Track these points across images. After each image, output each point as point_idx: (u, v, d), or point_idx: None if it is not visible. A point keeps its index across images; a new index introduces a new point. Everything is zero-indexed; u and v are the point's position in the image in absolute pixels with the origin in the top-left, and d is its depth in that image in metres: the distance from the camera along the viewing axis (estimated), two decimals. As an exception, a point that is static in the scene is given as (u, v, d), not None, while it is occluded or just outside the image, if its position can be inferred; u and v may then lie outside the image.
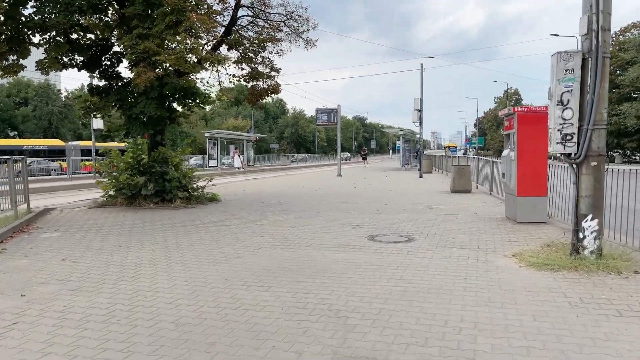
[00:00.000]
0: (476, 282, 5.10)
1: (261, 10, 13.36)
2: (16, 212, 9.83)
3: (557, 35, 46.38)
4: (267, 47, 13.07)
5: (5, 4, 9.32)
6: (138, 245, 7.39)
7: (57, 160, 36.10)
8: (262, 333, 3.79)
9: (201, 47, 11.08)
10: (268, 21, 13.28)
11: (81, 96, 11.52)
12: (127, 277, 5.55)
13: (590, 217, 5.78)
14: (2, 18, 9.70)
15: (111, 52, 11.80)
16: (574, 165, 5.93)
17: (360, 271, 5.64)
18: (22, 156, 11.34)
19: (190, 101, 12.20)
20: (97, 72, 11.77)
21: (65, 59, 11.12)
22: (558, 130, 5.87)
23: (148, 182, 12.04)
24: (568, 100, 5.82)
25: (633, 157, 51.62)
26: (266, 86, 13.39)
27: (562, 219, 8.81)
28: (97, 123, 24.83)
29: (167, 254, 6.74)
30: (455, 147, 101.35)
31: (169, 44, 10.23)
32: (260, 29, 12.96)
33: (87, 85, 11.70)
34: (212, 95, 13.46)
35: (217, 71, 13.55)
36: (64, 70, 11.36)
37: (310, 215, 10.48)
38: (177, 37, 9.40)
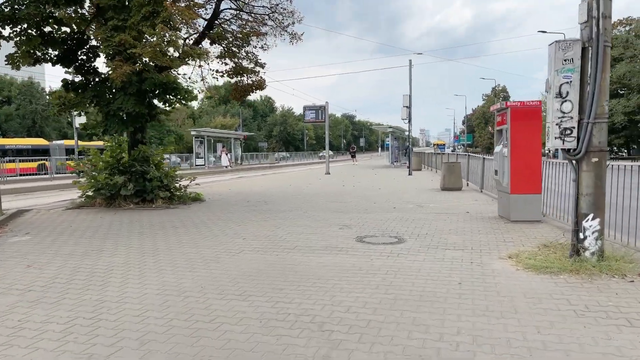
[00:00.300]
0: (472, 288, 4.73)
1: (245, 3, 12.90)
2: (-15, 214, 9.30)
3: (544, 32, 46.49)
4: (251, 42, 12.61)
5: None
6: (112, 250, 6.93)
7: (39, 160, 35.28)
8: (236, 351, 3.38)
9: (180, 40, 10.61)
10: (252, 14, 12.83)
11: (55, 92, 10.94)
12: (95, 285, 5.11)
13: (591, 216, 5.44)
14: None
15: (87, 46, 11.27)
16: (574, 162, 5.59)
17: (347, 277, 5.25)
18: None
19: (171, 97, 11.72)
20: (72, 67, 11.24)
21: (39, 53, 10.57)
22: (557, 124, 5.52)
23: (128, 181, 11.55)
24: (567, 93, 5.47)
25: (620, 153, 51.91)
26: (251, 82, 12.94)
27: (557, 217, 8.49)
28: (80, 121, 24.17)
29: (141, 259, 6.30)
30: (444, 145, 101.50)
31: (147, 37, 9.73)
32: (244, 23, 12.51)
33: (62, 81, 11.18)
34: (195, 91, 12.97)
35: (199, 66, 13.08)
36: (37, 65, 10.82)
37: (296, 215, 10.08)
38: (154, 29, 8.92)
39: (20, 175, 31.81)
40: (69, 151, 40.66)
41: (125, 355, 3.35)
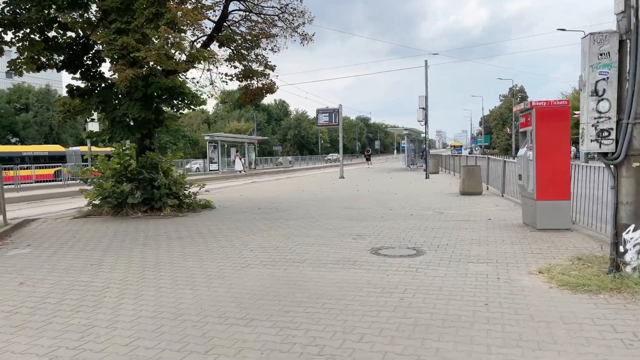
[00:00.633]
0: (501, 311, 4.21)
1: (254, 4, 12.53)
2: (-12, 225, 9.03)
3: (563, 29, 45.42)
4: (260, 44, 12.22)
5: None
6: (111, 264, 6.54)
7: (56, 166, 35.42)
8: (231, 393, 2.93)
9: (186, 42, 10.26)
10: (261, 15, 12.45)
11: (59, 99, 10.65)
12: (86, 306, 4.70)
13: (632, 227, 4.89)
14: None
15: (93, 51, 10.99)
16: (612, 167, 5.04)
17: (361, 296, 4.77)
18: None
19: (178, 102, 11.38)
20: (78, 72, 10.96)
21: (43, 59, 10.31)
22: (592, 125, 4.98)
23: (135, 189, 11.22)
24: (604, 90, 4.93)
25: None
26: (260, 85, 12.54)
27: (588, 225, 7.89)
28: (94, 127, 24.08)
29: (141, 275, 5.90)
30: (461, 146, 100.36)
31: (154, 40, 9.38)
32: (253, 24, 12.13)
33: (66, 87, 10.91)
34: (204, 95, 12.62)
35: (208, 70, 12.74)
36: (42, 71, 10.56)
37: (308, 223, 9.62)
38: (157, 31, 8.57)
39: (37, 182, 31.98)
40: (86, 158, 40.87)
41: (104, 398, 2.92)
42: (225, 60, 12.27)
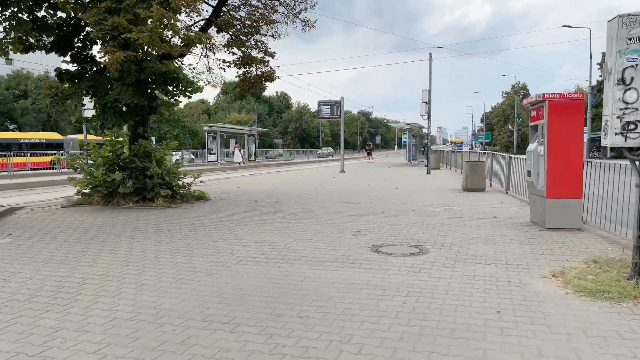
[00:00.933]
0: (515, 319, 3.80)
1: (255, -13, 12.02)
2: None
3: (569, 26, 44.72)
4: (260, 30, 11.73)
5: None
6: (93, 257, 6.12)
7: (53, 154, 34.94)
8: (207, 416, 2.51)
9: (180, 24, 9.77)
10: (262, 0, 11.95)
11: (46, 82, 10.15)
12: (58, 304, 4.29)
13: (658, 229, 4.46)
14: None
15: (84, 32, 10.50)
16: (638, 163, 4.61)
17: (360, 299, 4.35)
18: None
19: (173, 88, 10.91)
20: (68, 55, 10.49)
21: (32, 40, 9.84)
22: (618, 117, 4.54)
23: (127, 178, 10.78)
24: (632, 79, 4.48)
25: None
26: (260, 72, 12.07)
27: (599, 225, 7.46)
28: (90, 113, 23.61)
29: (123, 270, 5.48)
30: (462, 143, 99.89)
31: (147, 20, 8.88)
32: (253, 9, 11.64)
33: (55, 70, 10.44)
34: (201, 83, 12.15)
35: (205, 56, 12.25)
36: (30, 53, 10.09)
37: (306, 217, 9.20)
38: (150, 11, 8.09)
39: (32, 169, 31.53)
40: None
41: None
42: (224, 46, 11.78)
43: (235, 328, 3.68)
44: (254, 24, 11.48)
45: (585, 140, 7.81)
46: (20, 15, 9.26)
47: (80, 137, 46.26)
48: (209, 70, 12.56)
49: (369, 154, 49.06)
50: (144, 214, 9.85)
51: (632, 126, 4.50)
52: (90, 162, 11.05)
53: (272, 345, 3.35)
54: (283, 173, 27.51)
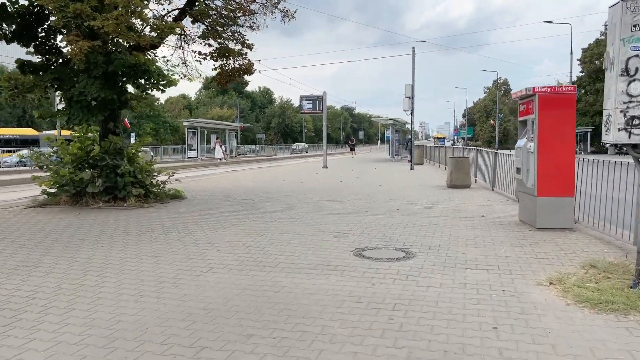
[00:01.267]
0: (514, 337, 3.39)
1: (232, -24, 11.45)
2: None
3: (550, 22, 44.93)
4: (238, 20, 11.18)
5: None
6: (50, 265, 5.58)
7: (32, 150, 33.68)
8: None
9: (148, 11, 9.20)
10: (239, -11, 11.39)
11: (4, 74, 9.45)
12: (-2, 325, 3.76)
13: (665, 233, 4.11)
14: None
15: (49, 22, 9.83)
16: (643, 161, 4.25)
17: (341, 313, 3.91)
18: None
19: (145, 82, 10.32)
20: (31, 46, 9.82)
21: (-10, 29, 9.16)
22: (621, 111, 4.16)
23: (96, 177, 10.18)
24: (637, 69, 4.11)
25: None
26: (237, 65, 11.53)
27: (591, 224, 7.14)
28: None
29: (80, 280, 4.95)
30: (444, 138, 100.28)
31: (112, 8, 8.25)
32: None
33: (16, 61, 9.76)
34: (176, 76, 11.56)
35: (179, 47, 11.66)
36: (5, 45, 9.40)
37: (285, 217, 8.73)
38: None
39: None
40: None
41: None
42: (199, 37, 11.21)
43: (199, 353, 3.21)
44: (231, 14, 10.93)
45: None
46: (-25, 1, 8.60)
47: (56, 133, 45.11)
48: (184, 63, 11.99)
49: (351, 149, 48.70)
50: (113, 214, 9.27)
51: (636, 121, 4.12)
52: (56, 159, 10.40)
53: (238, 376, 2.89)
54: (265, 169, 26.97)
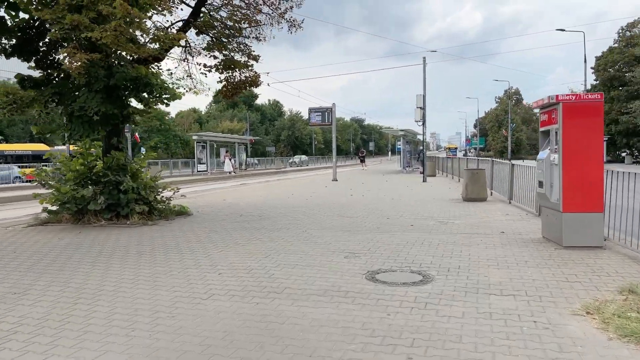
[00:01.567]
0: (555, 383, 2.92)
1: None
2: None
3: (563, 30, 44.37)
4: (243, 31, 10.88)
5: None
6: (41, 291, 5.20)
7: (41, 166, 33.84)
8: None
9: (149, 22, 8.93)
10: (245, 0, 11.10)
11: (2, 89, 9.18)
12: (-30, 366, 3.37)
13: None
14: None
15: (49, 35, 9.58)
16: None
17: (353, 350, 3.47)
18: None
19: (149, 96, 10.02)
20: (32, 60, 9.58)
21: (-10, 43, 8.93)
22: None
23: (98, 194, 9.85)
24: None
25: (644, 157, 49.37)
26: (243, 77, 11.21)
27: (623, 242, 6.62)
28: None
29: (70, 309, 4.56)
30: (456, 149, 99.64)
31: (111, 20, 7.95)
32: (235, 9, 10.79)
33: (16, 76, 9.52)
34: (181, 89, 11.26)
35: (183, 60, 11.38)
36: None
37: (293, 235, 8.31)
38: (112, 7, 7.22)
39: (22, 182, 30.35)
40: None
41: None
42: (204, 49, 10.93)
43: (189, 404, 2.78)
44: (236, 24, 10.63)
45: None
46: (-27, 15, 8.38)
47: (72, 147, 45.22)
48: (189, 76, 11.69)
49: (362, 161, 48.30)
50: (115, 233, 8.92)
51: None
52: (58, 175, 10.11)
53: None
54: (274, 183, 26.61)
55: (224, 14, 10.76)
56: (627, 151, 50.64)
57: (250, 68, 11.10)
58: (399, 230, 8.61)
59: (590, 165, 6.69)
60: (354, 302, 4.61)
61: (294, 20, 11.17)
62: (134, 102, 10.64)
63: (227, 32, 10.77)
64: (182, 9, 10.66)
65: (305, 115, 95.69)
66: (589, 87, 46.75)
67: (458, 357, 3.35)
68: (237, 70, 11.08)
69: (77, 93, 9.43)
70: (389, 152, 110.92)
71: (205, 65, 11.27)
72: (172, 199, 11.24)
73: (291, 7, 10.98)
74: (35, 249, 7.56)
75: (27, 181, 29.31)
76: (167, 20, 10.34)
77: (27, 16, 9.30)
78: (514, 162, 13.68)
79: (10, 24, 9.00)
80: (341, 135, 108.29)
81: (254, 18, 10.72)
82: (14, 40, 9.24)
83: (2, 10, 8.88)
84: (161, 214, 10.61)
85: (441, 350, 3.46)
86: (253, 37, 11.15)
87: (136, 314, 4.41)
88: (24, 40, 9.32)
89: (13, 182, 29.75)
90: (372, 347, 3.55)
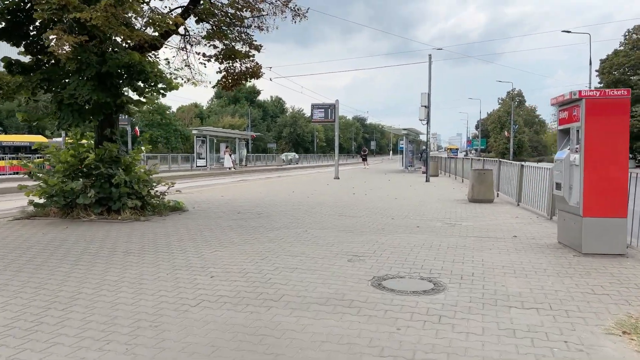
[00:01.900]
0: None
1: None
2: None
3: (569, 31, 43.79)
4: (245, 20, 10.38)
5: None
6: (12, 293, 4.71)
7: (38, 158, 33.36)
8: None
9: (144, 5, 8.40)
10: (247, -14, 10.60)
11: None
12: None
13: None
14: None
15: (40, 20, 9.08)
16: None
17: (360, 376, 2.98)
18: None
19: (144, 84, 9.52)
20: (22, 45, 9.08)
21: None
22: None
23: (89, 187, 9.37)
24: None
25: (645, 160, 48.81)
26: (244, 68, 10.71)
27: (648, 250, 6.15)
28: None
29: (41, 315, 4.08)
30: (457, 149, 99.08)
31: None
32: (236, -4, 10.29)
33: (3, 60, 9.01)
34: (179, 79, 10.75)
35: (181, 48, 10.87)
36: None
37: (293, 235, 7.82)
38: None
39: (14, 173, 29.88)
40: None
41: None
42: (203, 38, 10.43)
43: None
44: (238, 12, 10.12)
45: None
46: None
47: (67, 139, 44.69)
48: (188, 65, 11.17)
49: (364, 159, 47.79)
50: (104, 229, 8.43)
51: None
52: (47, 167, 9.63)
53: None
54: (274, 179, 26.12)
55: (225, 1, 10.25)
56: (631, 155, 50.13)
57: (251, 58, 10.59)
58: (405, 232, 8.13)
59: (614, 166, 6.20)
60: (359, 313, 4.12)
61: (298, 9, 10.65)
62: (131, 93, 10.15)
63: (228, 20, 10.26)
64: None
65: (307, 113, 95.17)
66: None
67: (482, 385, 2.87)
68: (237, 60, 10.57)
69: (67, 80, 8.94)
70: (391, 152, 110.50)
71: (204, 55, 10.76)
72: (166, 194, 10.75)
73: (296, -6, 10.45)
74: (16, 245, 7.08)
75: (14, 173, 28.90)
76: (165, 7, 9.85)
77: (16, -1, 8.79)
78: (524, 163, 13.18)
79: (-2, 7, 8.51)
80: (343, 134, 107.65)
81: (257, 6, 10.22)
82: (3, 24, 8.74)
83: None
84: (154, 210, 10.13)
85: (462, 377, 2.97)
86: (255, 27, 10.65)
87: (114, 322, 3.93)
88: (14, 23, 8.82)
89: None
90: (382, 370, 3.07)
